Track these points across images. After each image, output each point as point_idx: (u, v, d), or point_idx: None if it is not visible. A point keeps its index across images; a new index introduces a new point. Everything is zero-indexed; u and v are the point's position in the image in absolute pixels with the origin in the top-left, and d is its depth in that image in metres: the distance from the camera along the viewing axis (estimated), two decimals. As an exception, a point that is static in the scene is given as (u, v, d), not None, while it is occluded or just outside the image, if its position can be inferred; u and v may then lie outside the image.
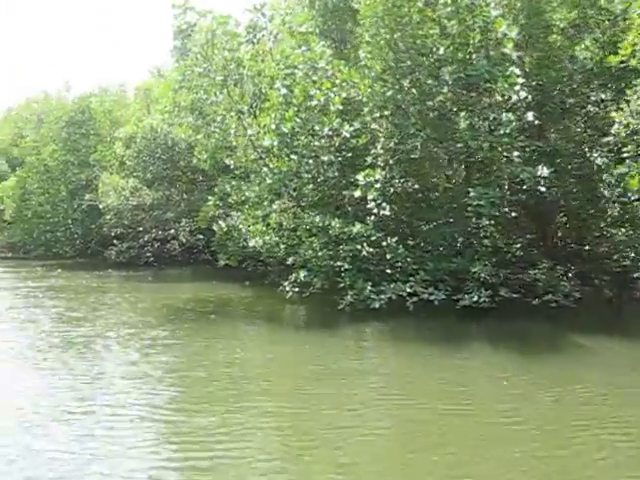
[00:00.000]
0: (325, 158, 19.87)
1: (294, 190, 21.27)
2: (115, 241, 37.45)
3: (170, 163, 33.61)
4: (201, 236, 37.83)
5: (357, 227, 18.93)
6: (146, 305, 22.14)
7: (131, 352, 14.49)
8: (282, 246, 21.78)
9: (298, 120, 19.49)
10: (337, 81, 20.54)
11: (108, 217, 35.38)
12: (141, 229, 37.22)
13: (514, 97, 18.19)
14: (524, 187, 18.12)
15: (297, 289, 20.77)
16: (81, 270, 35.23)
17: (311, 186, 21.08)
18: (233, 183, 23.07)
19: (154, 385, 11.62)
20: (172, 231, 38.34)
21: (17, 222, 43.90)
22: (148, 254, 37.28)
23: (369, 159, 20.21)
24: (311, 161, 19.76)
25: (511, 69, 17.96)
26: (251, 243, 22.06)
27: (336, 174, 20.91)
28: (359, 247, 18.91)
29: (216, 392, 11.28)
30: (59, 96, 53.66)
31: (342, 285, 19.00)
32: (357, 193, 19.23)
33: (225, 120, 22.30)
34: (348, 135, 19.88)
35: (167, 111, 23.54)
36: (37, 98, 60.68)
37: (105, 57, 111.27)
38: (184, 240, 38.28)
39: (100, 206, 35.35)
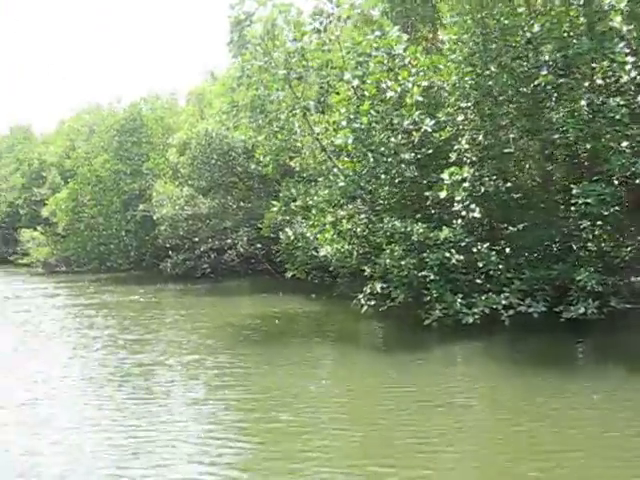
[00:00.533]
0: (406, 156, 17.62)
1: (369, 192, 19.11)
2: (170, 253, 35.75)
3: (226, 169, 31.75)
4: (259, 245, 35.99)
5: (445, 232, 16.63)
6: (207, 324, 20.19)
7: (196, 387, 12.46)
8: (355, 255, 19.68)
9: (374, 113, 17.30)
10: (414, 70, 18.30)
11: (163, 228, 33.65)
12: (197, 239, 35.46)
13: (624, 77, 15.76)
14: (637, 181, 15.64)
15: (373, 302, 18.69)
16: (135, 284, 33.65)
17: (387, 188, 18.91)
18: (299, 187, 20.99)
19: (228, 434, 9.51)
20: (229, 241, 36.53)
21: (70, 235, 42.66)
22: (205, 265, 35.47)
23: (453, 156, 17.94)
24: (390, 159, 17.54)
25: (620, 46, 15.53)
26: (321, 252, 19.93)
27: (415, 173, 18.71)
28: (447, 255, 16.60)
29: (308, 442, 9.09)
30: (110, 107, 52.77)
31: (428, 298, 16.77)
32: (443, 194, 16.95)
33: (289, 118, 20.25)
34: (429, 129, 17.56)
35: (225, 111, 21.54)
36: (88, 110, 60.14)
37: (154, 66, 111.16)
38: (242, 250, 36.43)
39: (154, 217, 33.66)
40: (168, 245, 35.50)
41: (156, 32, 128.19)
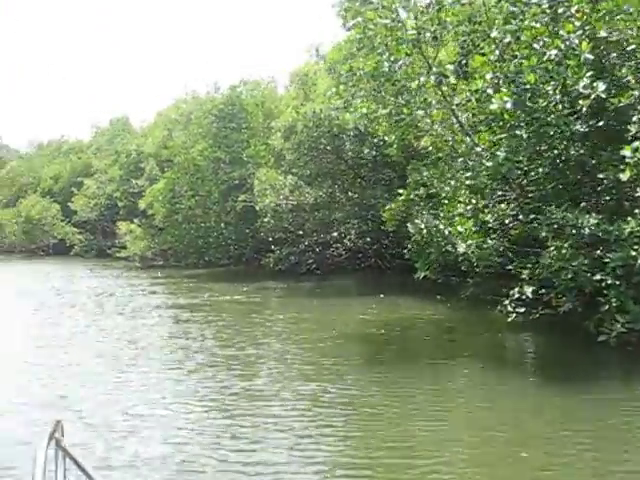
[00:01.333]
0: (577, 127, 13.82)
1: (523, 174, 15.42)
2: (272, 247, 32.88)
3: (335, 154, 28.53)
4: (369, 239, 32.70)
5: (631, 224, 12.81)
6: (319, 334, 17.00)
7: (327, 439, 8.94)
8: (498, 251, 16.11)
9: (540, 72, 13.55)
10: (578, 23, 14.41)
11: (265, 220, 30.73)
12: (300, 232, 32.47)
13: None
14: None
15: (522, 310, 15.17)
16: (235, 281, 30.96)
17: (546, 169, 15.18)
18: (432, 170, 17.45)
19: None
20: (335, 234, 33.41)
21: (167, 228, 40.57)
22: (309, 261, 32.49)
23: (633, 128, 14.00)
24: (557, 131, 13.79)
25: None
26: (460, 249, 16.32)
27: (581, 151, 14.92)
28: (633, 253, 12.76)
29: None
30: (208, 95, 50.79)
31: (603, 308, 13.08)
32: (624, 175, 13.06)
33: (420, 88, 16.70)
34: (604, 95, 13.66)
35: (343, 82, 18.17)
36: (186, 99, 58.49)
37: (251, 52, 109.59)
38: (350, 244, 33.23)
39: (257, 207, 30.77)
40: (270, 238, 32.62)
41: (253, 15, 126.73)
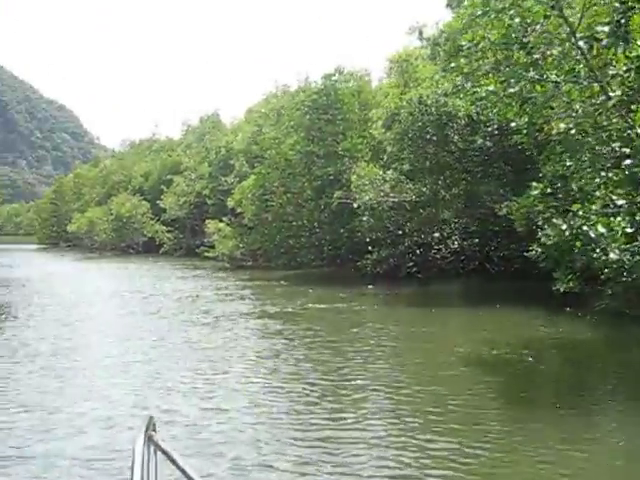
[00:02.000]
0: None
1: None
2: (370, 248, 30.11)
3: (441, 145, 25.48)
4: (476, 240, 29.61)
5: None
6: (436, 356, 14.23)
7: None
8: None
9: None
10: None
11: (364, 219, 27.98)
12: (400, 232, 29.61)
13: None
14: None
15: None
16: (330, 285, 28.40)
17: None
18: (574, 161, 14.26)
19: None
20: (436, 234, 30.42)
21: (257, 227, 38.46)
22: (410, 264, 29.61)
23: None
24: None
25: None
26: (613, 255, 13.10)
27: None
28: None
29: None
30: (300, 87, 48.66)
31: None
32: None
33: (563, 58, 13.57)
34: None
35: (466, 53, 15.06)
36: (276, 93, 56.75)
37: (342, 44, 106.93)
38: (454, 245, 30.17)
39: (354, 205, 28.00)
40: (368, 239, 29.85)
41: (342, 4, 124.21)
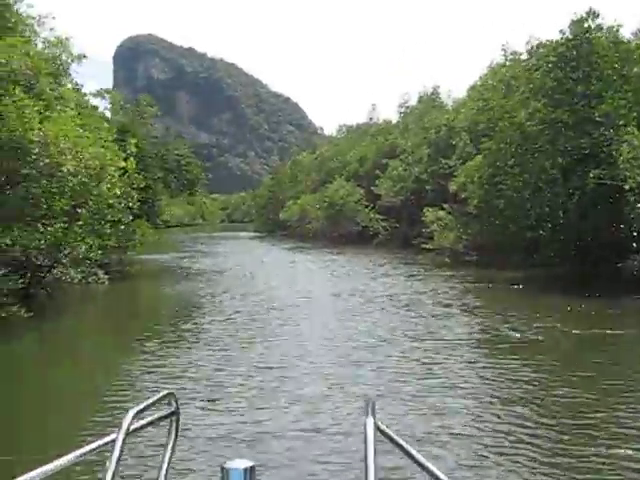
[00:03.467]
0: None
1: None
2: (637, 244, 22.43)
3: None
4: None
5: None
6: None
7: None
8: None
9: None
10: None
11: (638, 206, 20.48)
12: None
13: None
14: None
15: None
16: (588, 293, 21.19)
17: None
18: None
19: None
20: None
21: (484, 215, 31.86)
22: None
23: None
24: None
25: None
26: None
27: None
28: None
29: None
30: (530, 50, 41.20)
31: None
32: None
33: None
34: None
35: None
36: (505, 62, 49.70)
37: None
38: None
39: (625, 187, 20.53)
40: (636, 233, 22.23)
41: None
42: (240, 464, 1.97)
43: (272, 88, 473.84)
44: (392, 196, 54.56)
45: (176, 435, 2.35)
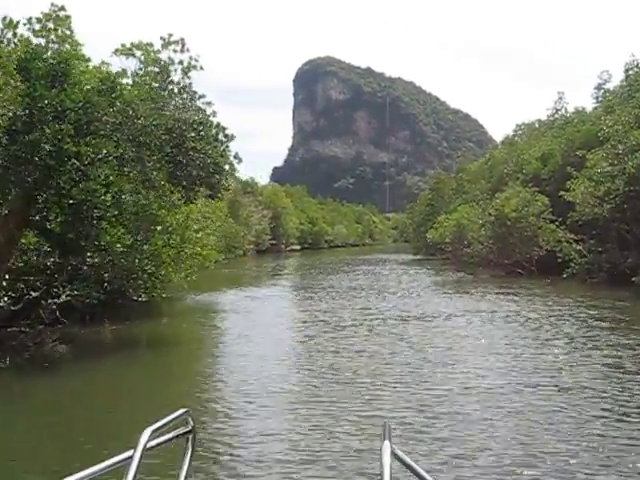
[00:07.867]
0: None
1: None
2: None
3: None
4: None
5: None
6: None
7: None
8: None
9: None
10: None
11: None
12: None
13: None
14: None
15: None
16: None
17: None
18: None
19: None
20: None
21: None
22: None
23: None
24: None
25: None
26: None
27: None
28: None
29: None
30: None
31: None
32: None
33: None
34: None
35: None
36: None
37: None
38: None
39: None
40: None
41: None
42: None
43: (451, 104, 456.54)
44: (592, 204, 36.06)
45: (192, 453, 2.43)
